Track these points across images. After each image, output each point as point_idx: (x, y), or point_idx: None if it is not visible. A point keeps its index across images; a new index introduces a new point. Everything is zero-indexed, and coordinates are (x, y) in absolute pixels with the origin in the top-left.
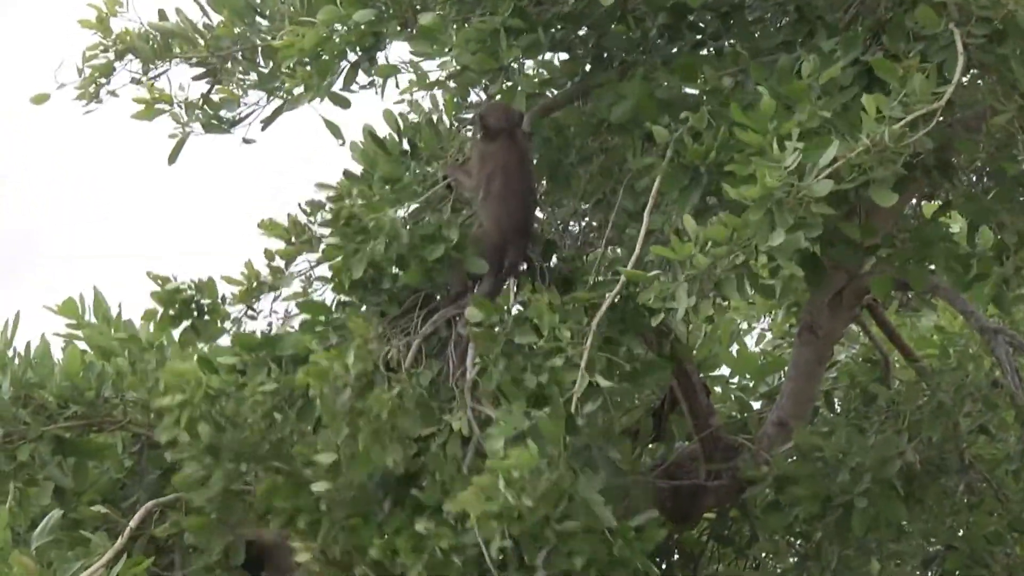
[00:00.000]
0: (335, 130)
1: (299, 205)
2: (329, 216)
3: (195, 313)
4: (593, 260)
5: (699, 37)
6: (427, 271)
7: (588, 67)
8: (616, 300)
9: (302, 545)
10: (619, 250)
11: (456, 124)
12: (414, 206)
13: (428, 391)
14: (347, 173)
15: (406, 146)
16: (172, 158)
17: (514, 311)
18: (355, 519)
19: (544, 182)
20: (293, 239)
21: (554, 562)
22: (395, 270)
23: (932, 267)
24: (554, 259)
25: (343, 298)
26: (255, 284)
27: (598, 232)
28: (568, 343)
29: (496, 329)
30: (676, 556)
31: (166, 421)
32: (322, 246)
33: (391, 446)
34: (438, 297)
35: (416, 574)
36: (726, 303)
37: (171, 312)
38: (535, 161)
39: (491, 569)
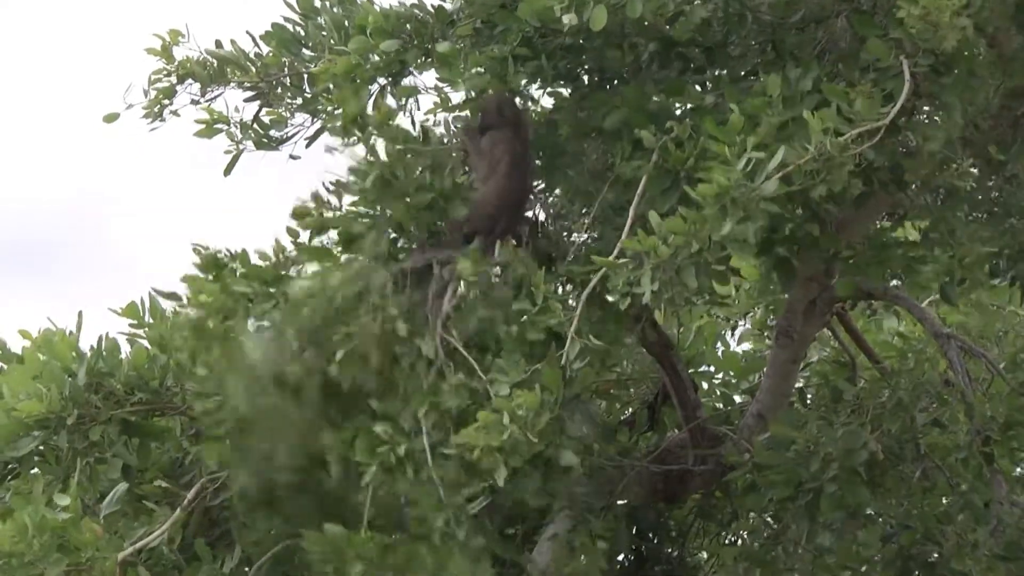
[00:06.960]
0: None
1: (323, 184)
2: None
3: None
4: (572, 244)
5: (687, 66)
6: (415, 216)
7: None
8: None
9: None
10: (596, 233)
11: None
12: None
13: (405, 316)
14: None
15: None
16: (227, 171)
17: (497, 270)
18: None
19: (540, 181)
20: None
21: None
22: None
23: (891, 272)
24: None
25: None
26: (281, 258)
27: (582, 221)
28: (559, 311)
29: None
30: (667, 531)
31: (185, 341)
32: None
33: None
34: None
35: (371, 476)
36: (713, 313)
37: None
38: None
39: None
